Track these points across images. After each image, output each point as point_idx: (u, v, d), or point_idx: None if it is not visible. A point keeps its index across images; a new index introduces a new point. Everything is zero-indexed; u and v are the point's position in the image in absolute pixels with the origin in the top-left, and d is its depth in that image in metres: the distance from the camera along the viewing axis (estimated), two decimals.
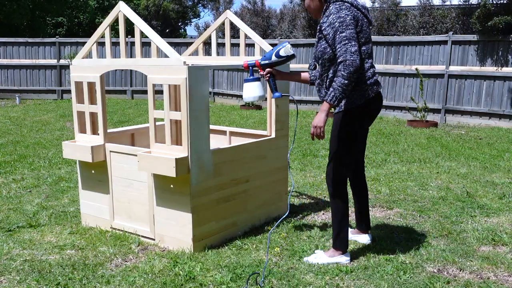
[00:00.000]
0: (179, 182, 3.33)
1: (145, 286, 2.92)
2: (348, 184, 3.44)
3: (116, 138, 4.09)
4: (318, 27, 3.09)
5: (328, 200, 4.67)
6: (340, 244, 3.24)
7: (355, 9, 3.02)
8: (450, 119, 10.23)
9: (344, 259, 3.24)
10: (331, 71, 3.05)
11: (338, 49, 2.90)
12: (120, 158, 3.65)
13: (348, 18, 2.93)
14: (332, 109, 3.05)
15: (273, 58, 3.23)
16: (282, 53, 3.20)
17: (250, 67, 3.29)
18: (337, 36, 2.92)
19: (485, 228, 3.87)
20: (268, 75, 3.29)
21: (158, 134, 3.57)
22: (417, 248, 3.45)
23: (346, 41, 2.88)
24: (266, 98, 3.41)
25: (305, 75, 3.37)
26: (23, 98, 13.99)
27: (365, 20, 3.08)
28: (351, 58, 2.86)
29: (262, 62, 3.25)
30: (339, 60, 2.90)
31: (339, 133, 3.13)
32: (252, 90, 3.26)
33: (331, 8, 3.02)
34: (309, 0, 3.16)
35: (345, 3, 3.01)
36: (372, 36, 10.57)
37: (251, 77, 3.27)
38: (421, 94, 10.06)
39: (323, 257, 3.25)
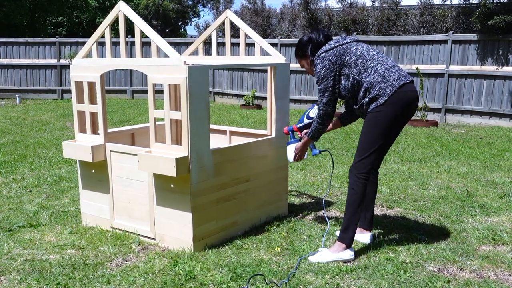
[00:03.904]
0: (180, 181, 3.33)
1: (145, 285, 2.92)
2: None
3: (116, 138, 4.09)
4: None
5: (328, 199, 4.67)
6: (346, 238, 3.28)
7: (331, 50, 3.32)
8: (450, 118, 10.23)
9: (348, 254, 3.25)
10: (358, 96, 3.30)
11: (319, 98, 3.38)
12: (121, 157, 3.66)
13: (322, 71, 3.30)
14: (372, 105, 3.25)
15: (305, 120, 3.63)
16: (311, 114, 3.60)
17: (290, 132, 3.72)
18: (318, 87, 3.37)
19: (485, 227, 3.87)
20: (305, 135, 3.61)
21: (158, 134, 3.57)
22: (418, 247, 3.45)
23: (321, 94, 3.34)
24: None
25: (336, 123, 3.70)
26: (23, 98, 13.99)
27: (344, 45, 3.33)
28: (324, 109, 3.34)
29: (298, 126, 3.65)
30: (318, 108, 3.39)
31: (373, 128, 3.24)
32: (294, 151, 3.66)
33: (315, 64, 3.39)
34: (304, 63, 3.56)
35: (320, 56, 3.34)
36: (372, 36, 10.55)
37: (292, 140, 3.69)
38: (421, 93, 10.05)
39: (327, 254, 3.27)
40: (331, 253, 3.26)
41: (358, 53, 3.28)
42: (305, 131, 3.63)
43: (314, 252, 3.36)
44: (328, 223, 3.78)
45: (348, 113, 3.61)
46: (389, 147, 3.44)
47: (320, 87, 3.35)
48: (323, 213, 4.02)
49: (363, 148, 3.28)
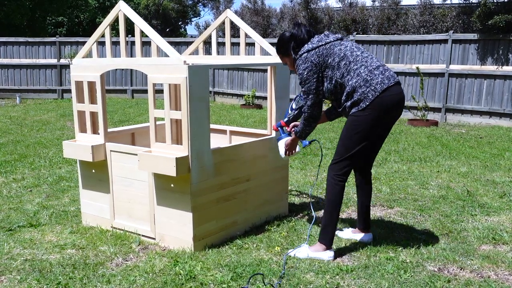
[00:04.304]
0: (180, 181, 3.33)
1: (145, 285, 2.92)
2: (353, 181, 3.46)
3: (116, 138, 4.09)
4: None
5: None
6: (325, 238, 3.27)
7: (314, 50, 3.20)
8: (451, 118, 10.23)
9: (326, 255, 3.25)
10: (341, 97, 3.23)
11: (303, 100, 3.30)
12: (121, 157, 3.66)
13: (305, 73, 3.20)
14: (353, 109, 3.18)
15: (290, 112, 3.58)
16: (294, 106, 3.54)
17: (279, 128, 3.67)
18: (302, 88, 3.27)
19: (485, 227, 3.87)
20: (293, 128, 3.53)
21: (158, 134, 3.57)
22: (418, 247, 3.45)
23: (305, 96, 3.25)
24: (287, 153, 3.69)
25: (322, 118, 3.57)
26: (24, 98, 13.99)
27: (327, 45, 3.21)
28: (309, 111, 3.26)
29: (285, 120, 3.61)
30: (303, 110, 3.30)
31: (352, 132, 3.18)
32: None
33: (297, 64, 3.28)
34: (286, 60, 3.43)
35: (302, 56, 3.23)
36: (372, 35, 10.55)
37: (282, 135, 3.64)
38: (421, 93, 10.05)
39: (305, 251, 3.29)
40: (310, 251, 3.28)
41: (342, 54, 3.16)
42: (292, 124, 3.54)
43: (299, 246, 3.39)
44: (314, 215, 3.79)
45: (335, 109, 3.48)
46: (378, 147, 3.39)
47: (303, 89, 3.23)
48: (310, 202, 4.00)
49: (340, 151, 3.22)
